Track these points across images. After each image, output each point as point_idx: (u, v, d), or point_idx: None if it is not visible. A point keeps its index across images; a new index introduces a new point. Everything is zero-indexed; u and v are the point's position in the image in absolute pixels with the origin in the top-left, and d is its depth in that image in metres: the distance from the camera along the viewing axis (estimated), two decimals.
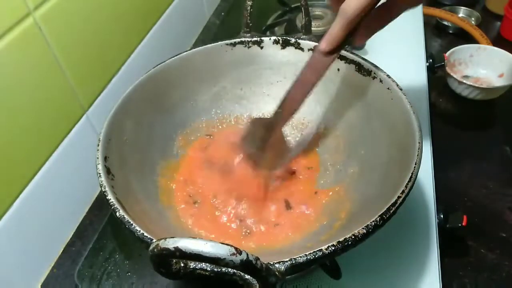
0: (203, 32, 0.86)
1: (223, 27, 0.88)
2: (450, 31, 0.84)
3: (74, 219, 0.54)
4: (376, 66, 0.46)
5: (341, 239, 0.30)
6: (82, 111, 0.53)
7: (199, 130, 0.53)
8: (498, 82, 0.69)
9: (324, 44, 0.39)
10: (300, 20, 0.67)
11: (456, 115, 0.67)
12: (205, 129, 0.54)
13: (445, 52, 0.70)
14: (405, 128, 0.40)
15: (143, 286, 0.46)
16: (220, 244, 0.23)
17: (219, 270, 0.27)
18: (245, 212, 0.44)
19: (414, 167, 0.35)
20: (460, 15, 0.87)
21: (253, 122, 0.48)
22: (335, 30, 0.37)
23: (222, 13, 0.91)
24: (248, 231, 0.43)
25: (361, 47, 0.70)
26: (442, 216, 0.47)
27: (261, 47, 0.53)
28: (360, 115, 0.48)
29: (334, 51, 0.39)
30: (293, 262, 0.28)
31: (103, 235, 0.51)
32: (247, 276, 0.27)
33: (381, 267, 0.44)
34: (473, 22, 0.84)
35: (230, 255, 0.23)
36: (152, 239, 0.31)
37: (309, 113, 0.53)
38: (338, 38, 0.38)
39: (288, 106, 0.43)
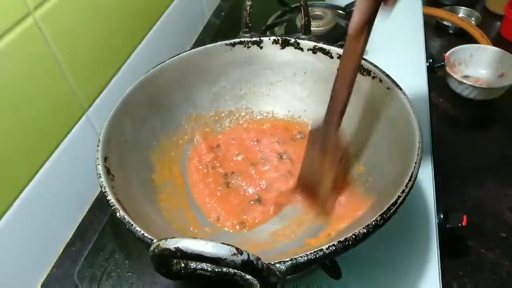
0: (203, 32, 0.86)
1: (223, 27, 0.88)
2: (450, 31, 0.84)
3: (74, 219, 0.54)
4: (375, 66, 0.46)
5: (341, 239, 0.30)
6: (82, 111, 0.53)
7: (199, 130, 0.53)
8: (498, 82, 0.69)
9: (356, 19, 0.35)
10: (300, 20, 0.67)
11: (456, 115, 0.67)
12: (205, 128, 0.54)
13: (445, 52, 0.70)
14: (405, 128, 0.40)
15: (143, 286, 0.46)
16: (221, 244, 0.23)
17: (220, 270, 0.27)
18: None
19: (414, 167, 0.35)
20: (460, 15, 0.87)
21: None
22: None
23: (222, 13, 0.91)
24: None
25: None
26: (442, 216, 0.48)
27: (261, 47, 0.53)
28: (360, 115, 0.48)
29: (364, 27, 0.36)
30: (294, 262, 0.28)
31: (103, 235, 0.51)
32: (248, 276, 0.27)
33: (381, 267, 0.44)
34: (473, 22, 0.84)
35: (231, 255, 0.23)
36: (152, 240, 0.31)
37: (309, 113, 0.52)
38: (367, 10, 0.34)
39: (335, 107, 0.41)
